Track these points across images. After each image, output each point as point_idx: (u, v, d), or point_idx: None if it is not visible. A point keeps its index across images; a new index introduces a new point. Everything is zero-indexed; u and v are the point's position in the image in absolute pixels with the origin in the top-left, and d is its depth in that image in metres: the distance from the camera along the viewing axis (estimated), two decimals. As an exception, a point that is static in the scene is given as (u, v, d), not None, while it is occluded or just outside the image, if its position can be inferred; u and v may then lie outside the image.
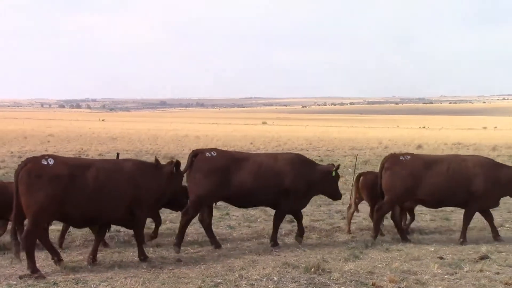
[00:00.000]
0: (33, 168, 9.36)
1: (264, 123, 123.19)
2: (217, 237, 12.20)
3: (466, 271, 9.64)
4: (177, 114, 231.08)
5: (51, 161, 9.51)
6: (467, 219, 12.35)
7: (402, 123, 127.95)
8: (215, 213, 13.08)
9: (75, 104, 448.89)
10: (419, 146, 44.18)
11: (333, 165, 12.52)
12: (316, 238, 12.50)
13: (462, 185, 12.05)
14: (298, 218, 12.21)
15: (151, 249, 11.10)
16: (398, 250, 11.32)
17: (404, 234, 12.41)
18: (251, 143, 47.13)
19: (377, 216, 12.38)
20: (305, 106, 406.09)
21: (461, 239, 12.14)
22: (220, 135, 62.02)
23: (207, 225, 11.78)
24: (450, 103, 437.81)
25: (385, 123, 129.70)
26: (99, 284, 8.63)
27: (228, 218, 14.49)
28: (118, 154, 12.00)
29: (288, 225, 13.60)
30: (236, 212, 14.75)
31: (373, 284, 8.77)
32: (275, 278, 9.01)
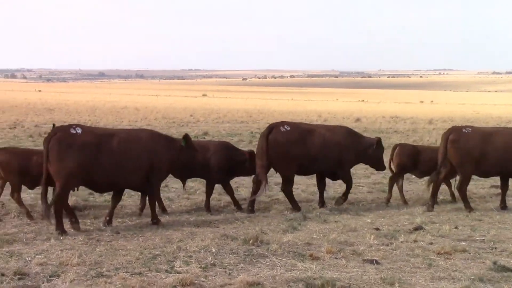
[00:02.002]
0: (63, 137, 10.02)
1: (204, 95, 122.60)
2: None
3: (401, 242, 9.83)
4: (116, 86, 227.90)
5: (79, 130, 10.18)
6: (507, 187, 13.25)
7: (341, 97, 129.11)
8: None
9: (10, 74, 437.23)
10: (358, 120, 44.73)
11: (378, 138, 13.49)
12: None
13: None
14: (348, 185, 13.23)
15: (88, 221, 10.97)
16: (335, 221, 11.47)
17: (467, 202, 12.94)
18: (191, 115, 46.89)
19: (462, 195, 12.87)
20: (246, 79, 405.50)
21: (502, 205, 13.11)
22: (160, 107, 61.49)
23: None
24: (388, 77, 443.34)
25: (325, 96, 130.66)
26: (34, 256, 8.48)
27: (167, 190, 14.42)
28: (54, 125, 11.78)
29: (227, 197, 13.62)
30: (175, 184, 14.68)
31: (311, 255, 8.87)
32: (213, 250, 9.02)
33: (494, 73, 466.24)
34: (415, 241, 9.91)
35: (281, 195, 13.71)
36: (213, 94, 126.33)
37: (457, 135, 12.75)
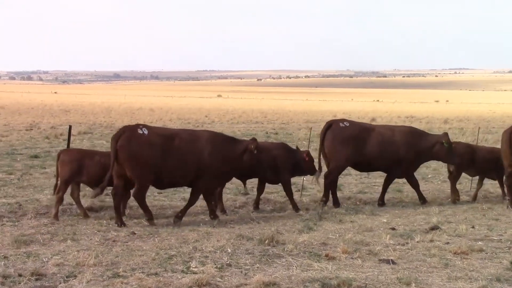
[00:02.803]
0: (131, 136, 10.61)
1: (219, 96, 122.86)
2: (171, 210, 12.21)
3: (417, 241, 9.80)
4: (131, 87, 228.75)
5: (145, 131, 10.76)
6: None
7: (356, 97, 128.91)
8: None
9: (26, 76, 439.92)
10: (373, 119, 44.63)
11: (446, 134, 13.67)
12: (270, 210, 12.54)
13: None
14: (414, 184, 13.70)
15: (105, 221, 11.01)
16: (351, 221, 11.44)
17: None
18: (206, 116, 46.99)
19: (509, 183, 13.14)
20: (260, 79, 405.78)
21: None
22: (175, 108, 61.66)
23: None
24: (403, 76, 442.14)
25: (340, 97, 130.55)
26: (51, 257, 8.51)
27: (183, 190, 14.42)
28: (70, 127, 11.87)
29: (242, 198, 13.63)
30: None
31: (326, 255, 8.85)
32: (229, 250, 9.03)
33: (510, 72, 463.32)
34: (431, 240, 9.87)
35: (296, 195, 13.69)
36: (228, 95, 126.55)
37: None
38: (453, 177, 14.05)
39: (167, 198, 13.45)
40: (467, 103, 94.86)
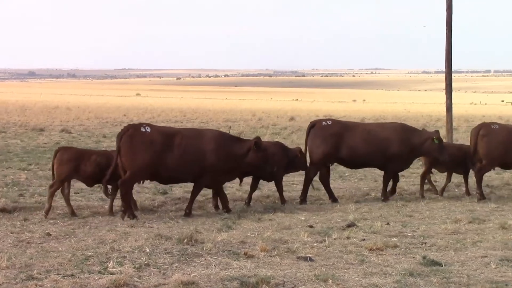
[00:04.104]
0: (134, 134, 11.21)
1: (138, 94, 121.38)
2: (89, 210, 12.02)
3: (334, 239, 9.95)
4: (47, 85, 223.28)
5: (148, 129, 11.38)
6: None
7: (276, 96, 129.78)
8: (86, 186, 12.79)
9: None
10: (292, 118, 45.05)
11: (437, 131, 14.07)
12: (193, 208, 12.48)
13: None
14: (395, 180, 14.07)
15: (18, 223, 10.72)
16: (270, 220, 11.53)
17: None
18: (125, 115, 46.36)
19: (478, 178, 13.89)
20: (180, 78, 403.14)
21: None
22: (93, 106, 60.58)
23: (326, 182, 13.75)
24: (322, 76, 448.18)
25: (259, 96, 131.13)
26: (-39, 260, 8.23)
27: (100, 190, 14.19)
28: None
29: (161, 197, 13.54)
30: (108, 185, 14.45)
31: (245, 254, 8.90)
32: (148, 250, 8.96)
33: (424, 72, 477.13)
34: (348, 237, 10.04)
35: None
36: (147, 94, 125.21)
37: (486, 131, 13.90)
38: (424, 173, 14.61)
39: (84, 198, 13.23)
40: (383, 103, 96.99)
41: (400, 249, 9.44)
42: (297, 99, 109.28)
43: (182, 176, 11.87)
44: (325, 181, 13.80)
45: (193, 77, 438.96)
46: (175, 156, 11.43)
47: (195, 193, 12.05)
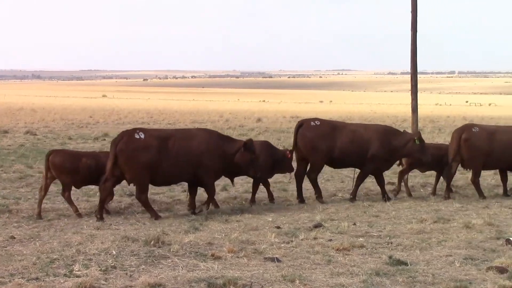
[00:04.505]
0: (129, 141, 11.41)
1: (104, 96, 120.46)
2: (54, 213, 11.90)
3: (301, 239, 9.99)
4: (11, 86, 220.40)
5: (142, 135, 11.55)
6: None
7: (243, 97, 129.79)
8: (52, 188, 12.67)
9: None
10: (259, 120, 45.08)
11: (418, 132, 14.43)
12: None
13: None
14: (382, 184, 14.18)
15: (-18, 226, 10.57)
16: (237, 221, 11.53)
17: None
18: (91, 117, 45.99)
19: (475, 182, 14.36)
20: (146, 79, 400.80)
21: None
22: (58, 108, 59.93)
23: (301, 180, 13.84)
24: (289, 77, 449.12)
25: (226, 97, 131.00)
26: None
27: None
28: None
29: (127, 199, 13.45)
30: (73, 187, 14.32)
31: (213, 255, 8.89)
32: (114, 252, 8.90)
33: (390, 73, 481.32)
34: (315, 238, 10.09)
35: (183, 196, 13.65)
36: (113, 95, 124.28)
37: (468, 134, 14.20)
38: (402, 172, 14.88)
39: (49, 201, 13.06)
40: (350, 104, 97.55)
41: (367, 249, 9.51)
42: (264, 100, 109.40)
43: (176, 177, 12.18)
44: (300, 179, 13.86)
45: (160, 78, 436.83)
46: (170, 158, 11.66)
47: (210, 192, 12.34)
